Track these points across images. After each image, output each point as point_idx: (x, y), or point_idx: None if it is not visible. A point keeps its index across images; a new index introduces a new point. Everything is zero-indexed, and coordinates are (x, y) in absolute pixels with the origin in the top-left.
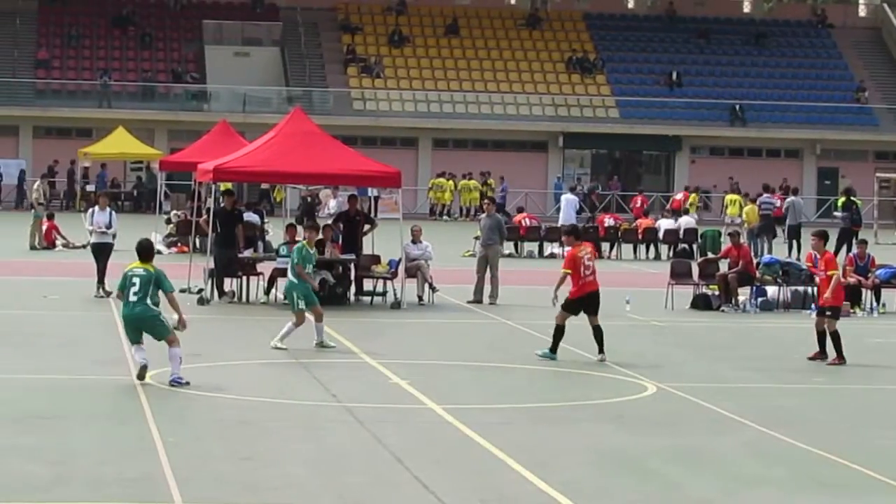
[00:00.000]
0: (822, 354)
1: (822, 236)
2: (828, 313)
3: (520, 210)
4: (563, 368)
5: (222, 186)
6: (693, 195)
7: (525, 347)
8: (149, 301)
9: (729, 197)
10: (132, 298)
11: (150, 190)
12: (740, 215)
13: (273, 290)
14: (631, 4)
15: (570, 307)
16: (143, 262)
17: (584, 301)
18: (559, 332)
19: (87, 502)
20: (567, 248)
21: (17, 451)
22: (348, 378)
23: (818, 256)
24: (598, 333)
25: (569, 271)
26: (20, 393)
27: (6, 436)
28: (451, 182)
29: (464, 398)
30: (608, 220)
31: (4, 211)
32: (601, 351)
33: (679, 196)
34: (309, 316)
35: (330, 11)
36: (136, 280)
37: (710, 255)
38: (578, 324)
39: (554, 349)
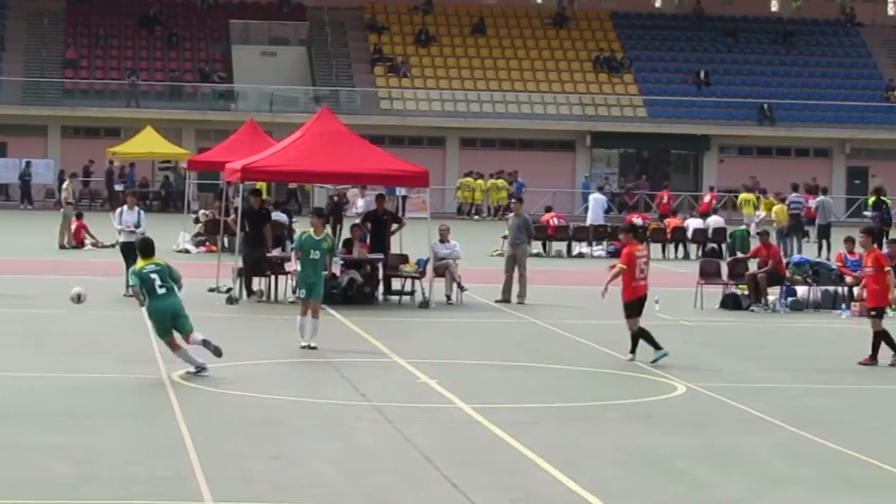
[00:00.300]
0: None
1: (871, 233)
2: (872, 313)
3: (548, 209)
4: (593, 368)
5: (262, 186)
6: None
7: (553, 347)
8: (176, 291)
9: (743, 196)
10: (161, 291)
11: (178, 189)
12: (755, 215)
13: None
14: (658, 3)
15: (633, 309)
16: (151, 259)
17: (637, 303)
18: (644, 334)
19: (116, 500)
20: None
21: (46, 450)
22: (377, 377)
23: (864, 254)
24: (638, 336)
25: (625, 266)
26: (48, 392)
27: (34, 434)
28: (480, 181)
29: (492, 397)
30: (636, 220)
31: (35, 210)
32: (633, 351)
33: (707, 198)
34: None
35: (356, 11)
36: (155, 275)
37: (740, 254)
38: (607, 324)
39: (657, 346)
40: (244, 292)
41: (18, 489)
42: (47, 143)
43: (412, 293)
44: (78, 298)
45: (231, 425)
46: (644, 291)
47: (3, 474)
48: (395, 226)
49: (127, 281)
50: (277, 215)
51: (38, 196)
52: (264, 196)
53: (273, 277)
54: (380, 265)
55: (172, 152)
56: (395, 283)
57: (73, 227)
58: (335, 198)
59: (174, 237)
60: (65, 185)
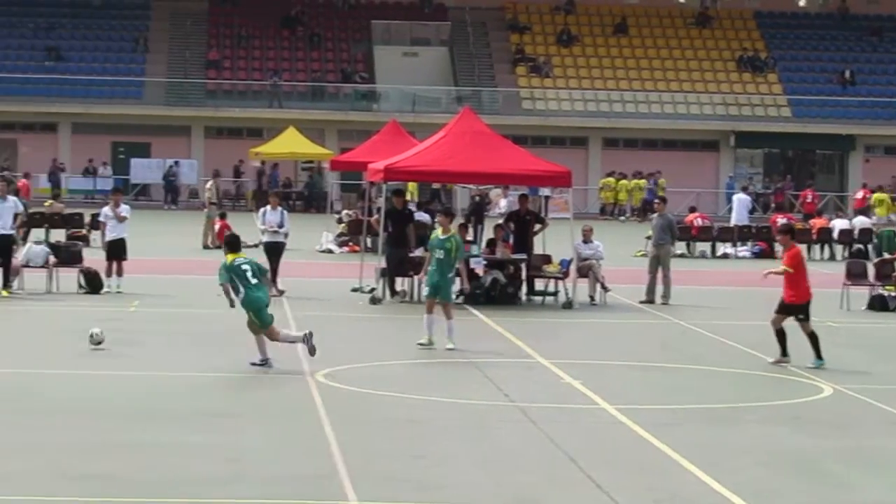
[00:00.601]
0: None
1: None
2: None
3: (692, 210)
4: (737, 369)
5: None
6: (881, 194)
7: (697, 347)
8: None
9: (877, 196)
10: (254, 282)
11: (320, 190)
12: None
13: None
14: (802, 2)
15: (789, 310)
16: (238, 253)
17: (805, 308)
18: (781, 336)
19: (263, 499)
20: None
21: (193, 449)
22: (520, 378)
23: None
24: (814, 340)
25: (790, 269)
26: (193, 391)
27: (181, 433)
28: (623, 182)
29: (636, 398)
30: (781, 220)
31: (179, 210)
32: (819, 357)
33: (860, 195)
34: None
35: (498, 11)
36: (247, 267)
37: (886, 255)
38: (752, 325)
39: (785, 350)
40: (387, 292)
41: (168, 487)
42: (191, 144)
43: (555, 294)
44: (94, 338)
45: (375, 425)
46: (811, 296)
47: (152, 473)
48: (538, 226)
49: (270, 280)
50: (420, 215)
51: (181, 196)
52: (413, 196)
53: (416, 277)
54: (523, 265)
55: (315, 152)
56: (539, 284)
57: (217, 227)
58: (477, 198)
59: (317, 237)
60: (208, 186)
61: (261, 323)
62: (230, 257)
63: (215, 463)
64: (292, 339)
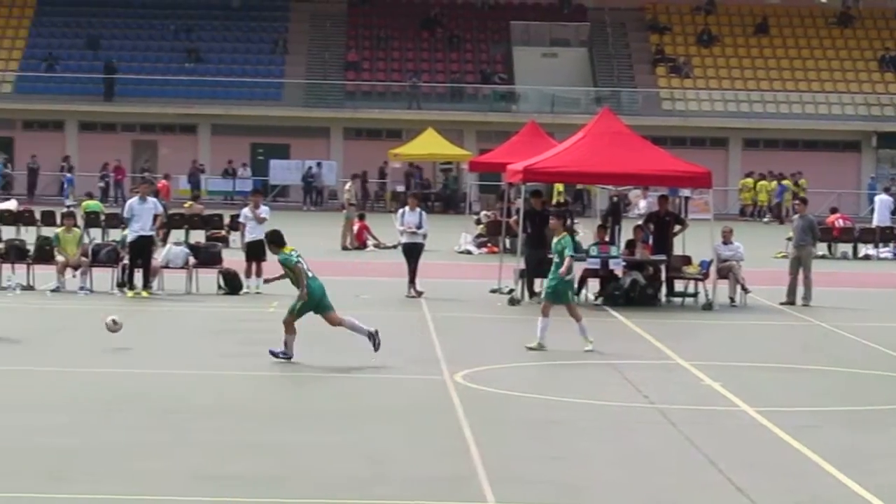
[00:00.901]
0: None
1: None
2: None
3: (833, 211)
4: (881, 372)
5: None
6: None
7: (839, 349)
8: None
9: None
10: (310, 274)
11: (454, 190)
12: None
13: (584, 291)
14: None
15: None
16: (287, 247)
17: None
18: None
19: (403, 500)
20: None
21: (333, 449)
22: (660, 379)
23: None
24: None
25: None
26: (333, 391)
27: (321, 433)
28: (764, 182)
29: (776, 400)
30: None
31: (318, 211)
32: None
33: None
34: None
35: (638, 11)
36: (301, 259)
37: None
38: (895, 327)
39: None
40: (526, 293)
41: (307, 488)
42: (329, 145)
43: (695, 295)
44: (113, 324)
45: (513, 426)
46: None
47: (292, 473)
48: (677, 227)
49: (409, 281)
50: None
51: (323, 197)
52: (562, 198)
53: None
54: (662, 267)
55: (454, 154)
56: (678, 285)
57: (356, 228)
58: (615, 198)
59: (455, 238)
60: (347, 187)
61: (324, 309)
62: (287, 249)
63: (355, 463)
64: (357, 328)
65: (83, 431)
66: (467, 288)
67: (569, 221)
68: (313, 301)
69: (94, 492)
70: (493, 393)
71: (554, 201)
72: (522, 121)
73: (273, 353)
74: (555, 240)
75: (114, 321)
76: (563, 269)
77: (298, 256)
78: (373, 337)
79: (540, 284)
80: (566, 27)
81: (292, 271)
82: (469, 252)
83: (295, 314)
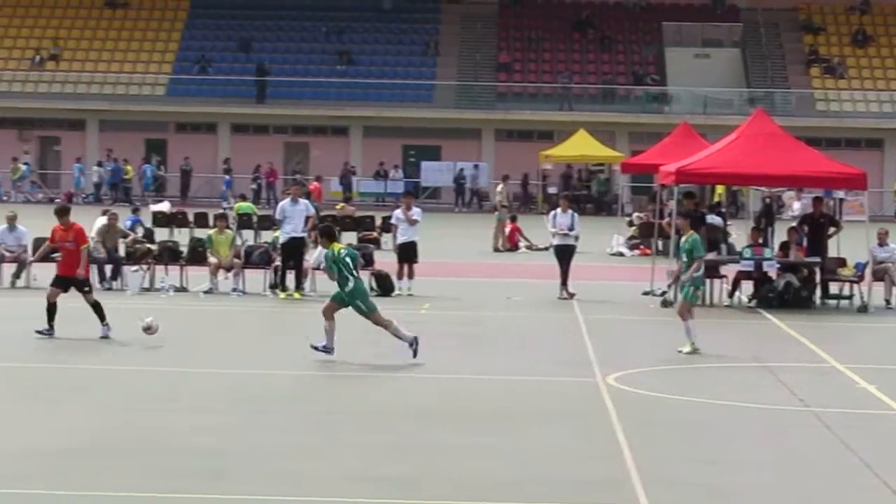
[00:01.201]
0: None
1: None
2: None
3: None
4: None
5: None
6: None
7: None
8: None
9: None
10: (356, 273)
11: (606, 192)
12: None
13: (737, 293)
14: None
15: None
16: (338, 243)
17: None
18: None
19: (555, 502)
20: None
21: (484, 451)
22: (814, 382)
23: None
24: None
25: None
26: (484, 392)
27: (473, 435)
28: None
29: None
30: None
31: (469, 213)
32: None
33: None
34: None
35: (791, 12)
36: (349, 259)
37: None
38: None
39: None
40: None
41: (458, 489)
42: (481, 147)
43: (850, 297)
44: (149, 329)
45: (666, 429)
46: None
47: (444, 474)
48: (832, 229)
49: (561, 283)
50: (712, 218)
51: (482, 199)
52: (722, 200)
53: (708, 280)
54: (817, 269)
55: (605, 155)
56: (833, 287)
57: (508, 229)
58: (767, 200)
59: (607, 240)
60: (499, 189)
61: (368, 309)
62: (336, 247)
63: (506, 465)
64: (400, 335)
65: (238, 432)
66: (619, 290)
67: (726, 223)
68: (367, 296)
69: (253, 492)
70: (645, 395)
71: (711, 202)
72: (675, 122)
73: (314, 348)
74: (682, 239)
75: (149, 326)
76: (691, 271)
77: (346, 256)
78: (413, 344)
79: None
80: (719, 28)
81: (336, 265)
82: (621, 254)
83: (364, 310)
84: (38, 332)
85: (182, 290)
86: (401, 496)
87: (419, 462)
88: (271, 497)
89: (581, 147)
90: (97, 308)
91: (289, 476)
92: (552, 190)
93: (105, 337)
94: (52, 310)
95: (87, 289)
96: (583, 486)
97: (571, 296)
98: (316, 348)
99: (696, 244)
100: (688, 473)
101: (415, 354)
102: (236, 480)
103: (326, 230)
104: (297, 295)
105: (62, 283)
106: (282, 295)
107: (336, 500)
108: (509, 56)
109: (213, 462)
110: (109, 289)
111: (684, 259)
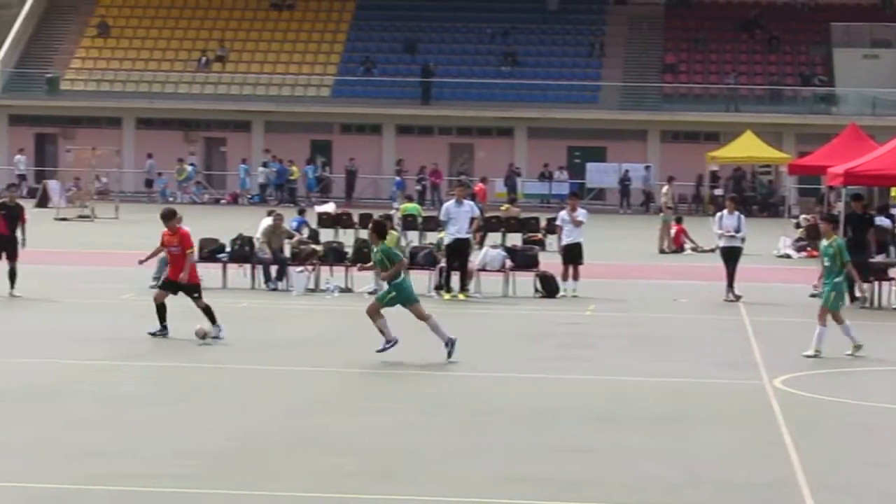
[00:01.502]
0: None
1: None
2: None
3: None
4: None
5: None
6: None
7: None
8: None
9: None
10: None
11: (770, 193)
12: None
13: None
14: None
15: None
16: (387, 240)
17: None
18: None
19: None
20: None
21: (646, 453)
22: None
23: None
24: None
25: None
26: (648, 394)
27: (634, 437)
28: None
29: None
30: None
31: (635, 215)
32: None
33: None
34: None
35: None
36: (398, 253)
37: None
38: None
39: None
40: (846, 298)
41: (619, 490)
42: (646, 148)
43: None
44: (203, 336)
45: (834, 432)
46: None
47: (601, 477)
48: None
49: (728, 285)
50: (881, 220)
51: (636, 200)
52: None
53: (877, 283)
54: None
55: (772, 156)
56: None
57: (673, 231)
58: None
59: (774, 242)
60: (664, 190)
61: (413, 301)
62: (389, 242)
63: (668, 467)
64: (439, 332)
65: (405, 432)
66: (787, 292)
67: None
68: (402, 296)
69: (418, 493)
70: (813, 398)
71: (880, 204)
72: (842, 123)
73: (380, 351)
74: (824, 243)
75: (205, 333)
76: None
77: (395, 251)
78: (450, 344)
79: (857, 289)
80: (888, 28)
81: (390, 262)
82: (788, 256)
83: (383, 303)
84: (151, 333)
85: (347, 290)
86: (567, 498)
87: (576, 464)
88: (435, 498)
89: (747, 148)
90: (208, 312)
91: (451, 476)
92: (718, 191)
93: (217, 338)
94: (161, 310)
95: (196, 294)
96: (747, 489)
97: (738, 298)
98: (383, 350)
99: (842, 248)
100: (856, 478)
101: (449, 355)
102: (402, 481)
103: (379, 227)
104: (461, 296)
105: (170, 286)
106: (446, 296)
107: (479, 501)
108: (675, 57)
109: (379, 462)
110: (275, 289)
111: (826, 263)
